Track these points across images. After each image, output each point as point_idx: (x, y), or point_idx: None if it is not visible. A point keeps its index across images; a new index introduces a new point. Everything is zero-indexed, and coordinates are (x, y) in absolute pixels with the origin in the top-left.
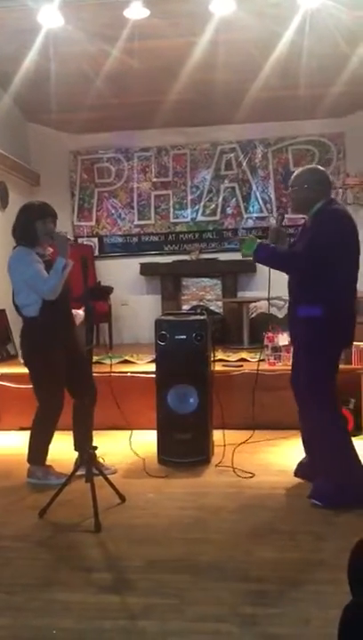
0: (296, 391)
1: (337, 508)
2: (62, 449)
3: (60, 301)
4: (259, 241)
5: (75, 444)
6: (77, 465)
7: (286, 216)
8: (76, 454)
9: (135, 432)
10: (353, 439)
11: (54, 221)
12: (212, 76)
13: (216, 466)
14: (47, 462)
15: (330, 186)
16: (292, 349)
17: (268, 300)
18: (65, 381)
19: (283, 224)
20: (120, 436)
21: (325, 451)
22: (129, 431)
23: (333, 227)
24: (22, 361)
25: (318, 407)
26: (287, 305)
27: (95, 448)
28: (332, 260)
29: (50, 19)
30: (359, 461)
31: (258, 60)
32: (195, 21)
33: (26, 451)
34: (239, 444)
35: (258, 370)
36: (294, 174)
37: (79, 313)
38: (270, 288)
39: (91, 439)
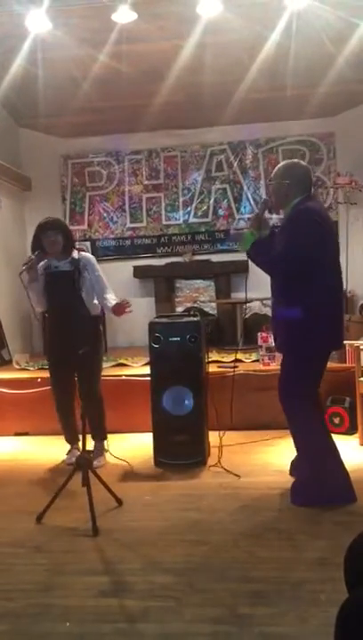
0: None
1: (316, 506)
2: (60, 453)
3: (53, 310)
4: (256, 238)
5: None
6: (74, 470)
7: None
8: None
9: (132, 435)
10: (348, 437)
11: (57, 233)
12: (200, 78)
13: (212, 467)
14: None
15: (310, 182)
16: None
17: (246, 301)
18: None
19: (267, 210)
20: (115, 440)
21: (305, 452)
22: (124, 434)
23: (306, 228)
24: None
25: (294, 409)
26: (271, 306)
27: (91, 452)
28: (310, 262)
29: (38, 23)
30: (340, 461)
31: (246, 61)
32: (182, 24)
33: (22, 456)
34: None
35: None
36: (276, 168)
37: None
38: (247, 290)
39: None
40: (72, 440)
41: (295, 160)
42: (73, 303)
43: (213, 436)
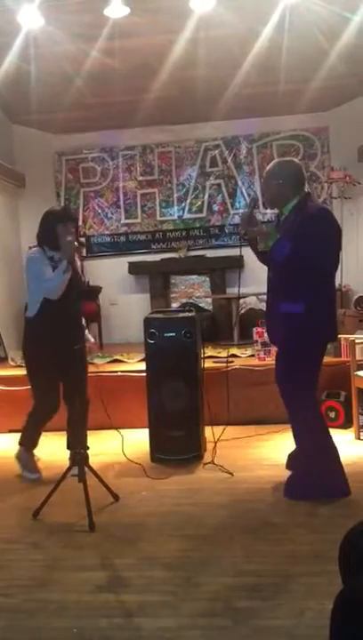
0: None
1: (311, 500)
2: (55, 450)
3: (60, 307)
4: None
5: (67, 444)
6: (70, 466)
7: (269, 212)
8: (67, 453)
9: (128, 431)
10: (344, 431)
11: (75, 226)
12: (193, 73)
13: (207, 464)
14: (41, 461)
15: (304, 179)
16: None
17: (238, 297)
18: (58, 383)
19: (255, 208)
20: (111, 436)
21: (303, 443)
22: (122, 430)
23: (324, 230)
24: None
25: (294, 403)
26: (266, 299)
27: (87, 448)
28: (319, 261)
29: (30, 19)
30: (337, 456)
31: (239, 56)
32: (175, 18)
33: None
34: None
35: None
36: (267, 169)
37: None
38: (239, 285)
39: (85, 440)
40: (34, 447)
41: (287, 158)
42: (74, 299)
43: (209, 431)
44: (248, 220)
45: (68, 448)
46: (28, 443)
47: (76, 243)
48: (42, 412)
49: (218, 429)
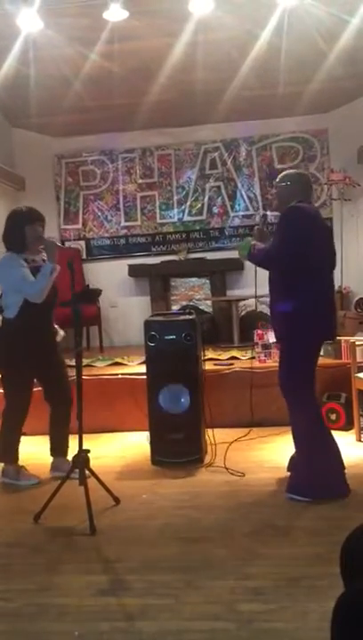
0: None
1: (313, 500)
2: (39, 453)
3: (40, 307)
4: (252, 243)
5: (51, 449)
6: (71, 469)
7: (269, 214)
8: (51, 459)
9: (129, 434)
10: (345, 433)
11: (43, 225)
12: (192, 76)
13: (209, 467)
14: (26, 465)
15: (309, 188)
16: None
17: (256, 297)
18: (41, 384)
19: (267, 222)
20: (111, 439)
21: (303, 443)
22: (120, 433)
23: (292, 228)
24: None
25: (295, 401)
26: (269, 301)
27: (88, 451)
28: (297, 257)
29: (29, 23)
30: (338, 455)
31: (238, 59)
32: (174, 21)
33: (19, 456)
34: (231, 442)
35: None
36: (281, 174)
37: (60, 333)
38: (256, 286)
39: (67, 443)
40: (17, 458)
41: (299, 170)
42: (53, 303)
43: (210, 434)
44: (260, 235)
45: (51, 454)
46: (9, 455)
47: (58, 243)
48: (16, 415)
49: (218, 431)
